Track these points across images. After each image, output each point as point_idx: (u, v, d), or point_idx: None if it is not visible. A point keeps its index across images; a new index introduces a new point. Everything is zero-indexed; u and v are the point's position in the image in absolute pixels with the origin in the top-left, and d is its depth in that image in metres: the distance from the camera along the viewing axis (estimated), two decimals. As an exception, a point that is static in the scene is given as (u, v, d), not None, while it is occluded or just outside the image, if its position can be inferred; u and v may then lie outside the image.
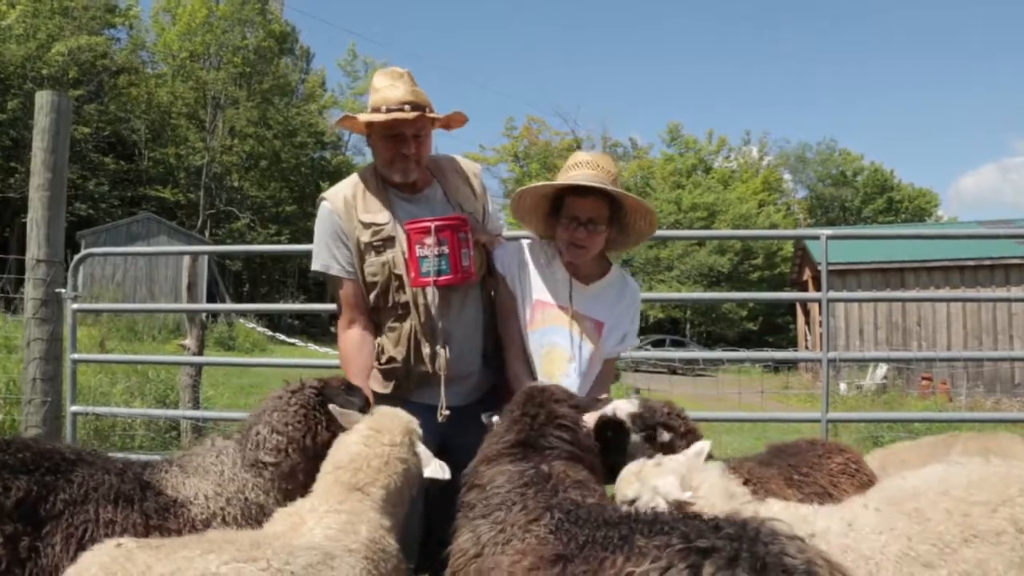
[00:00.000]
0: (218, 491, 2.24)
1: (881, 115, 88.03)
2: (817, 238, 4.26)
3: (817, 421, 4.26)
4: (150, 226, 25.01)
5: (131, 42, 34.20)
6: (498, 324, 2.89)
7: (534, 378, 2.72)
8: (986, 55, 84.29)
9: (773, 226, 39.19)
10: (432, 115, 2.71)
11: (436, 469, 2.29)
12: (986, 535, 2.00)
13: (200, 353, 7.24)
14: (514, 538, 1.79)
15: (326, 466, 2.19)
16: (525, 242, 2.95)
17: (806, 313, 25.61)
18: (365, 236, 2.70)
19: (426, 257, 2.62)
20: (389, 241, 2.71)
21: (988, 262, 18.22)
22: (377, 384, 2.79)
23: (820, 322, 22.83)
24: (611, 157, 2.83)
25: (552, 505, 1.81)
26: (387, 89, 2.68)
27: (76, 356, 5.08)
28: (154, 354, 9.89)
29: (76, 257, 5.19)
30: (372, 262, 2.71)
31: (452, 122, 2.89)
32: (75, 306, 4.97)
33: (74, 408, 5.03)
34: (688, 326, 38.76)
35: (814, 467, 2.73)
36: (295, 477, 2.34)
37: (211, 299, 25.93)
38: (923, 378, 18.40)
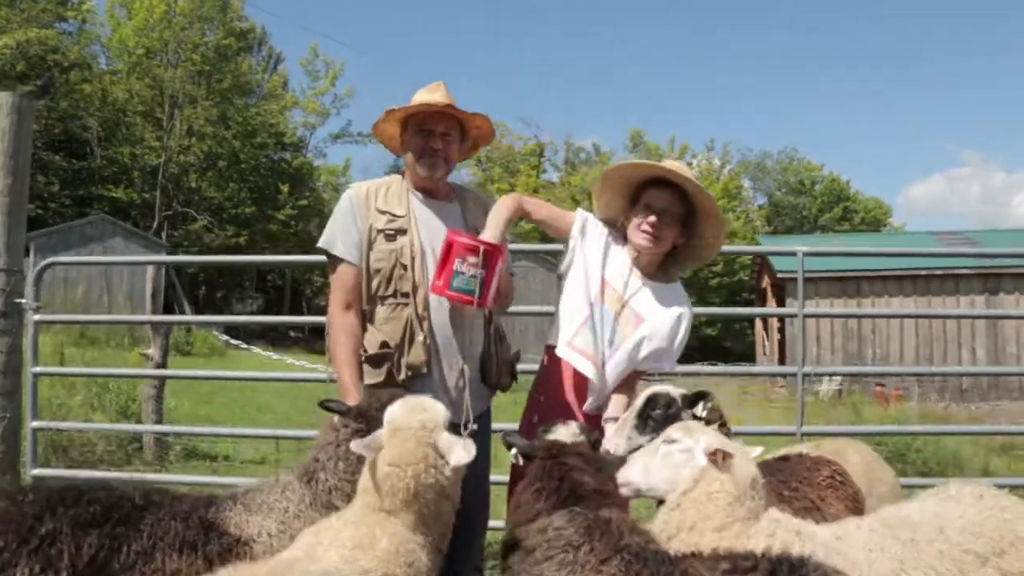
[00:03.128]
0: (282, 528, 2.24)
1: (837, 125, 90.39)
2: (794, 254, 4.34)
3: (792, 435, 4.32)
4: (104, 228, 24.26)
5: (83, 37, 33.16)
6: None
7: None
8: (937, 67, 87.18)
9: (732, 233, 39.87)
10: (460, 112, 2.89)
11: (460, 455, 2.14)
12: None
13: (164, 362, 7.08)
14: None
15: (360, 484, 2.17)
16: (591, 216, 3.00)
17: (764, 321, 26.07)
18: (379, 223, 2.80)
19: (462, 273, 2.60)
20: (401, 232, 2.81)
21: (940, 272, 18.80)
22: (369, 376, 2.80)
23: (779, 328, 23.33)
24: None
25: (621, 547, 1.84)
26: (424, 96, 2.88)
27: (37, 369, 4.90)
28: (116, 363, 9.61)
29: (38, 267, 5.00)
30: (381, 249, 2.79)
31: (480, 139, 3.08)
32: (36, 317, 4.80)
33: (35, 424, 4.85)
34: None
35: (803, 481, 2.77)
36: None
37: (168, 303, 25.35)
38: (877, 384, 18.92)
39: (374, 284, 2.81)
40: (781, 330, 22.87)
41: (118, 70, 34.06)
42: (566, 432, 2.48)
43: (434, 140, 2.87)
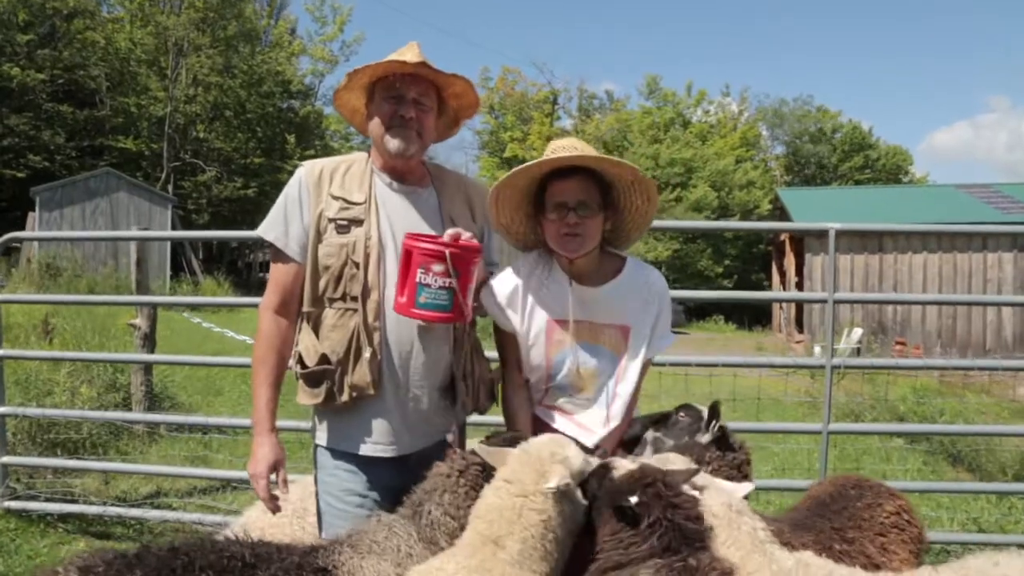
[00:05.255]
0: (399, 571, 2.06)
1: (857, 70, 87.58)
2: (825, 232, 3.89)
3: (818, 433, 3.94)
4: (109, 181, 23.91)
5: (84, -18, 32.27)
6: (497, 351, 2.57)
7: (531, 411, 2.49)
8: (964, 8, 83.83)
9: (750, 183, 38.89)
10: (436, 73, 2.40)
11: (548, 480, 1.98)
12: None
13: (151, 333, 6.78)
14: None
15: (472, 512, 2.05)
16: (514, 266, 2.53)
17: (782, 274, 25.56)
18: (331, 211, 2.36)
19: (427, 287, 2.18)
20: (356, 223, 2.36)
21: (966, 227, 18.17)
22: (305, 396, 2.41)
23: (796, 283, 22.82)
24: (589, 143, 2.48)
25: None
26: (394, 56, 2.39)
27: (2, 352, 4.58)
28: (107, 327, 9.33)
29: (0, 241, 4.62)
30: (330, 243, 2.35)
31: (461, 110, 2.59)
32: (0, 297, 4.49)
33: (2, 409, 4.56)
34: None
35: (862, 526, 2.37)
36: None
37: (176, 258, 25.15)
38: (897, 342, 18.45)
39: (321, 283, 2.37)
40: (799, 284, 22.36)
41: (120, 18, 33.22)
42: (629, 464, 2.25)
43: (405, 107, 2.38)
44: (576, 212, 2.32)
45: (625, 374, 2.46)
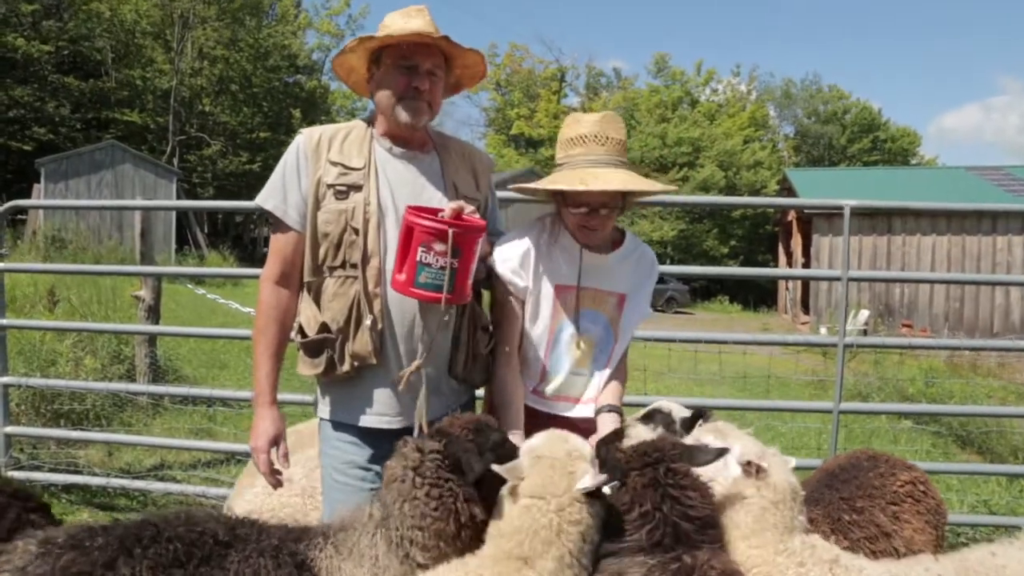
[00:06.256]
0: None
1: (865, 51, 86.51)
2: (835, 212, 3.80)
3: (828, 412, 3.88)
4: (114, 154, 23.79)
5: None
6: (493, 323, 2.51)
7: (521, 385, 2.43)
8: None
9: (758, 163, 38.57)
10: (451, 44, 2.34)
11: (584, 480, 1.83)
12: None
13: (156, 305, 6.74)
14: None
15: (491, 528, 1.85)
16: (521, 232, 2.50)
17: (789, 255, 25.43)
18: (329, 176, 2.30)
19: (428, 266, 2.10)
20: (355, 188, 2.30)
21: (980, 206, 18.00)
22: (306, 366, 2.36)
23: (803, 264, 22.67)
24: (617, 117, 2.40)
25: None
26: (401, 23, 2.30)
27: (4, 322, 4.53)
28: (111, 299, 9.29)
29: (0, 210, 4.54)
30: (329, 209, 2.29)
31: (465, 79, 2.52)
32: (0, 266, 4.42)
33: (4, 379, 4.53)
34: (668, 262, 38.45)
35: (873, 495, 2.33)
36: (459, 554, 1.94)
37: (181, 232, 25.11)
38: (904, 324, 18.37)
39: (321, 251, 2.32)
40: (806, 265, 22.24)
41: (124, -13, 32.86)
42: (646, 431, 2.20)
43: (420, 79, 2.31)
44: (599, 213, 2.35)
45: (619, 341, 2.51)
